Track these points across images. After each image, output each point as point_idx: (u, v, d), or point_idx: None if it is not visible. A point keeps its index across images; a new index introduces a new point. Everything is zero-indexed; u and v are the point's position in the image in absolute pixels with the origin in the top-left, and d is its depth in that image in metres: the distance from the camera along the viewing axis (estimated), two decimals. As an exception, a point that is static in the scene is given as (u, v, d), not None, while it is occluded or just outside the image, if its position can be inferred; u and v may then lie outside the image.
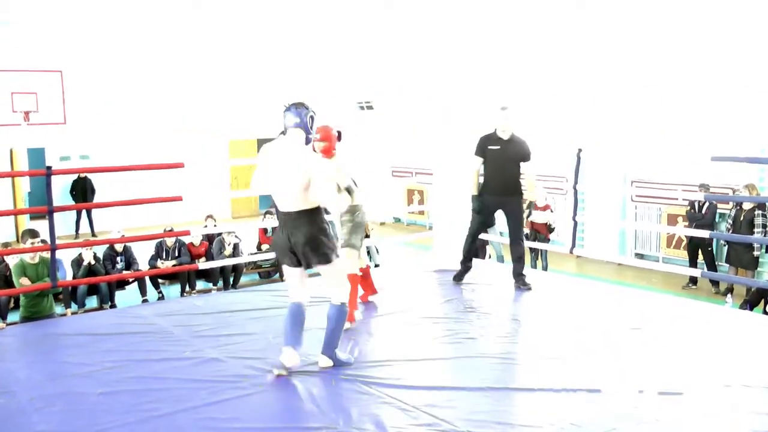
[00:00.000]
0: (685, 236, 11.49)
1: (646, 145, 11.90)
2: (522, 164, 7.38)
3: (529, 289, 7.40)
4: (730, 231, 10.20)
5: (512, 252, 7.55)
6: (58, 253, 7.05)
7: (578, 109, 13.15)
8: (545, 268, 11.18)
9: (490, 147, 7.36)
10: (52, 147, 16.26)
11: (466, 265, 7.76)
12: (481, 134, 7.49)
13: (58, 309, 8.26)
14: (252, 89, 18.80)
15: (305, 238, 4.95)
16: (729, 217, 10.51)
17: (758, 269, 10.22)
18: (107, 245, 10.14)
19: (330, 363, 5.18)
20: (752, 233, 9.80)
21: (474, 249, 7.82)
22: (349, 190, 6.22)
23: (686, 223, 11.27)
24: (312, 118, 5.32)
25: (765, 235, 9.88)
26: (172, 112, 17.93)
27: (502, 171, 7.32)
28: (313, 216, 5.00)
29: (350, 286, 5.55)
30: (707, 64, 11.25)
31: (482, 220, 7.58)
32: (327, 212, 5.47)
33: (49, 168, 6.69)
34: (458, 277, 7.77)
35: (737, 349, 5.65)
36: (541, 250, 11.37)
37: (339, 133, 6.37)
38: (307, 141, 5.27)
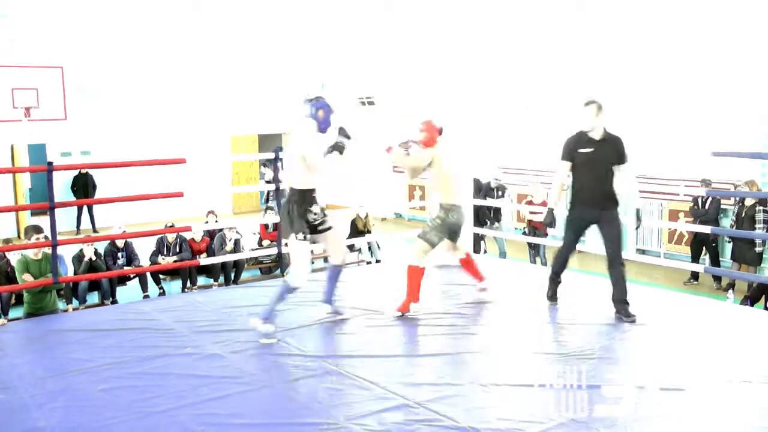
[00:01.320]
0: (689, 232, 11.47)
1: (648, 141, 11.86)
2: (617, 167, 6.30)
3: (633, 321, 6.15)
4: (733, 227, 10.20)
5: (611, 275, 6.34)
6: (60, 249, 7.05)
7: (577, 105, 13.12)
8: (545, 264, 11.18)
9: (580, 150, 6.29)
10: (53, 143, 16.25)
11: (556, 281, 6.78)
12: (569, 135, 6.59)
13: (60, 305, 8.25)
14: (253, 85, 18.81)
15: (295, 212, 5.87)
16: (732, 213, 10.50)
17: (761, 265, 10.20)
18: (108, 241, 10.13)
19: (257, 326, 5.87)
20: (754, 229, 9.80)
21: (564, 267, 6.75)
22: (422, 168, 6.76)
23: (689, 219, 11.25)
24: (323, 111, 5.87)
25: (766, 231, 9.90)
26: (173, 108, 17.94)
27: (595, 178, 6.26)
28: (297, 195, 5.87)
29: (416, 278, 6.47)
30: (708, 59, 11.23)
31: (573, 237, 6.52)
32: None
33: (50, 164, 6.69)
34: (552, 297, 6.79)
35: (738, 345, 5.65)
36: (541, 245, 11.37)
37: (441, 128, 6.64)
38: (320, 130, 5.88)
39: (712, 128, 11.15)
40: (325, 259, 12.48)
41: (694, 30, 11.27)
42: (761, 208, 9.95)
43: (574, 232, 6.52)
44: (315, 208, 5.99)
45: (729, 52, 10.97)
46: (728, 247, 11.03)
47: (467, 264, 6.99)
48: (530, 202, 11.65)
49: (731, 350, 5.50)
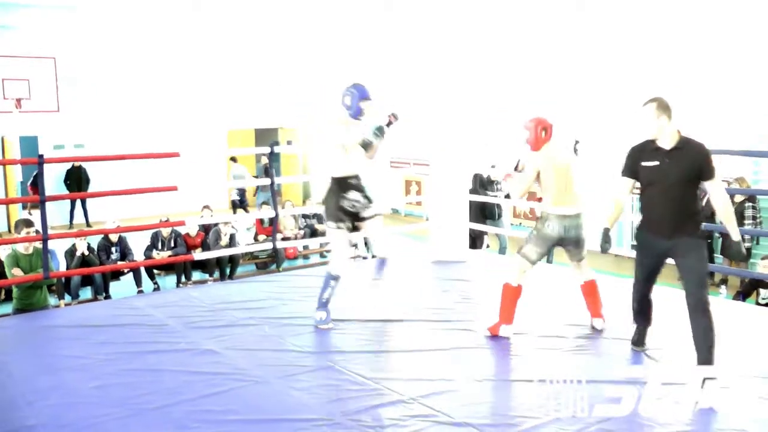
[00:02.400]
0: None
1: (643, 139, 11.86)
2: (703, 183, 4.88)
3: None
4: (723, 223, 10.24)
5: (692, 327, 4.72)
6: (52, 244, 6.99)
7: (576, 103, 13.11)
8: (550, 261, 11.12)
9: (644, 163, 4.88)
10: (46, 135, 16.15)
11: (639, 324, 5.42)
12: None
13: (52, 301, 8.19)
14: (250, 79, 18.75)
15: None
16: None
17: (750, 260, 10.25)
18: (102, 235, 10.07)
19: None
20: (743, 225, 9.87)
21: (645, 306, 5.34)
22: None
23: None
24: (349, 97, 6.00)
25: (755, 227, 10.02)
26: (169, 101, 17.85)
27: (665, 198, 4.83)
28: (332, 183, 5.91)
29: (508, 298, 5.73)
30: (701, 58, 11.23)
31: (647, 271, 5.12)
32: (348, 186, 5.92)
33: (40, 157, 6.64)
34: (637, 342, 5.41)
35: (730, 339, 5.63)
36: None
37: (545, 129, 5.64)
38: (352, 117, 6.01)
39: (705, 126, 11.15)
40: (321, 254, 12.54)
41: (685, 29, 11.27)
42: (750, 204, 10.10)
43: (644, 267, 5.10)
44: (352, 195, 5.90)
45: (721, 52, 10.99)
46: (720, 243, 11.05)
47: (588, 292, 5.88)
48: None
49: (724, 344, 5.47)
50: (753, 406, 4.34)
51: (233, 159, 17.89)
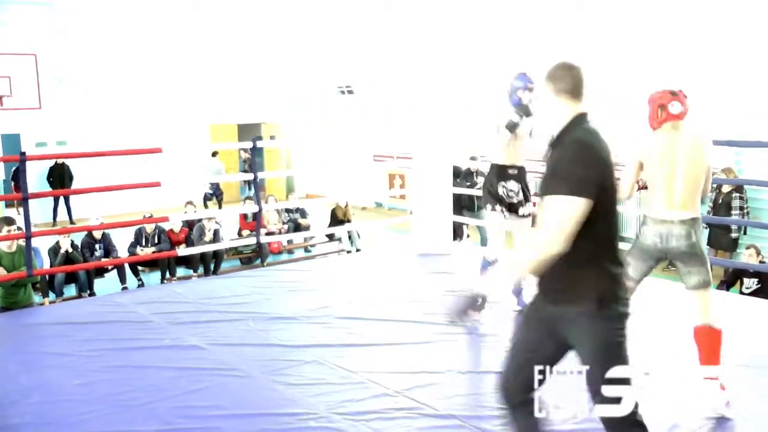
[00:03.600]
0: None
1: (629, 130, 11.92)
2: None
3: None
4: (711, 214, 10.35)
5: None
6: (35, 242, 6.96)
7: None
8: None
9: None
10: (28, 133, 16.04)
11: None
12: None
13: (36, 298, 8.14)
14: (232, 73, 18.68)
15: None
16: (709, 200, 10.62)
17: (737, 250, 10.32)
18: (85, 232, 10.02)
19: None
20: (730, 215, 9.97)
21: None
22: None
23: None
24: (514, 89, 5.72)
25: (742, 217, 10.09)
26: (151, 97, 17.76)
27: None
28: (491, 168, 5.88)
29: None
30: (686, 50, 11.28)
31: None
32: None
33: (23, 154, 6.61)
34: None
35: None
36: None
37: (662, 107, 4.50)
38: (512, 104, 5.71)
39: (692, 117, 11.21)
40: (305, 249, 12.54)
41: (670, 22, 11.32)
42: (737, 194, 10.15)
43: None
44: (511, 185, 5.80)
45: (707, 47, 11.05)
46: (706, 233, 11.13)
47: (702, 338, 4.48)
48: None
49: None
50: (737, 394, 4.38)
51: (214, 154, 17.85)
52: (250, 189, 17.32)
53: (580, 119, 2.93)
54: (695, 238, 4.28)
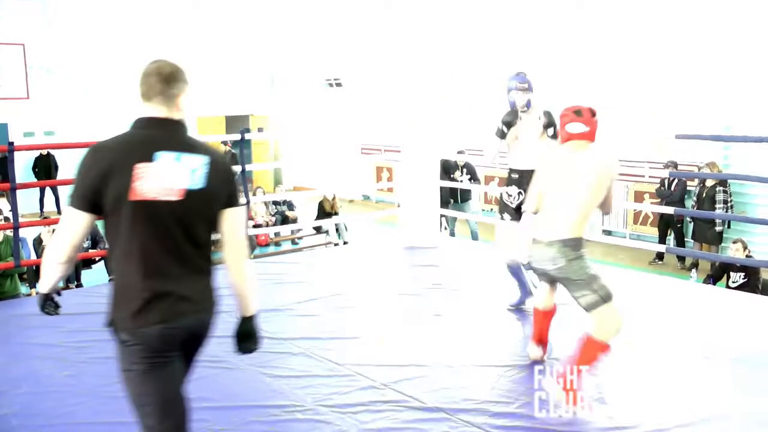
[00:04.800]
0: (655, 213, 11.63)
1: (615, 125, 11.97)
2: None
3: None
4: (695, 208, 10.45)
5: None
6: (22, 232, 6.94)
7: (545, 88, 13.19)
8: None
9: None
10: (15, 122, 15.95)
11: None
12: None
13: (23, 289, 8.13)
14: (220, 65, 18.62)
15: None
16: (694, 194, 10.74)
17: (722, 244, 10.41)
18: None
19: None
20: (714, 209, 10.04)
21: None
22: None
23: (654, 200, 11.41)
24: (508, 90, 5.71)
25: (726, 211, 10.18)
26: (139, 88, 17.65)
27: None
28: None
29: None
30: (673, 44, 11.34)
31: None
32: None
33: (11, 144, 6.58)
34: None
35: (700, 322, 5.75)
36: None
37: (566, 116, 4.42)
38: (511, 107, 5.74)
39: (677, 113, 11.29)
40: (293, 242, 12.55)
41: (655, 18, 11.37)
42: (721, 188, 10.26)
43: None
44: (510, 190, 5.78)
45: (693, 41, 11.11)
46: (691, 227, 11.22)
47: (583, 345, 4.23)
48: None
49: (694, 327, 5.60)
50: (724, 388, 4.43)
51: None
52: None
53: (137, 123, 2.82)
54: (563, 262, 4.15)
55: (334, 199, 12.86)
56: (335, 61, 18.14)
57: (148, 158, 2.62)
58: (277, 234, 12.61)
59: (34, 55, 15.54)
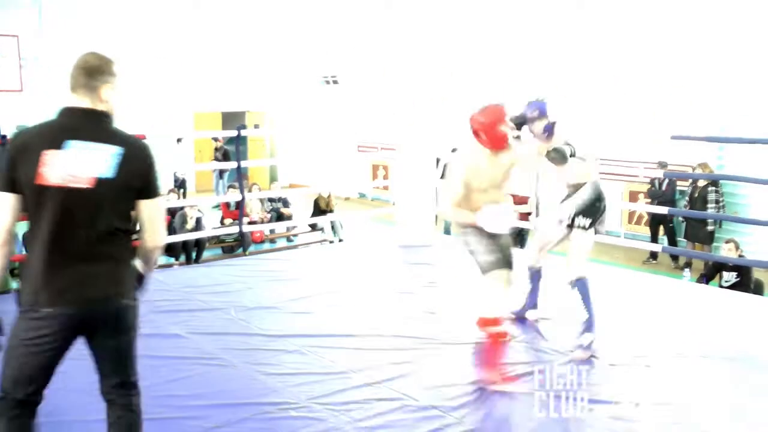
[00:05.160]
0: (647, 213, 11.67)
1: (611, 126, 11.99)
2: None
3: None
4: (687, 208, 10.57)
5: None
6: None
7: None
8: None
9: None
10: (8, 115, 15.85)
11: None
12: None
13: (15, 284, 8.08)
14: (217, 61, 18.58)
15: None
16: (686, 194, 10.83)
17: (714, 244, 10.47)
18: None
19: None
20: (706, 209, 10.13)
21: None
22: None
23: (648, 200, 11.45)
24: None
25: (718, 211, 10.31)
26: (135, 82, 17.61)
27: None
28: None
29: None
30: (669, 45, 11.36)
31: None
32: None
33: (3, 137, 6.55)
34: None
35: (694, 321, 5.77)
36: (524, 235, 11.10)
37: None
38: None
39: (671, 114, 11.31)
40: (288, 239, 12.53)
41: (653, 19, 11.38)
42: (713, 188, 10.41)
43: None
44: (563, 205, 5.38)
45: (688, 43, 11.13)
46: (683, 227, 11.28)
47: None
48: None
49: (687, 326, 5.62)
50: (717, 387, 4.44)
51: (179, 140, 17.58)
52: (221, 178, 17.21)
53: (60, 112, 3.02)
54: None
55: (329, 196, 12.84)
56: (332, 59, 18.11)
57: (58, 146, 2.78)
58: (272, 231, 12.59)
59: (27, 48, 15.46)
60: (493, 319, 4.49)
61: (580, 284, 5.03)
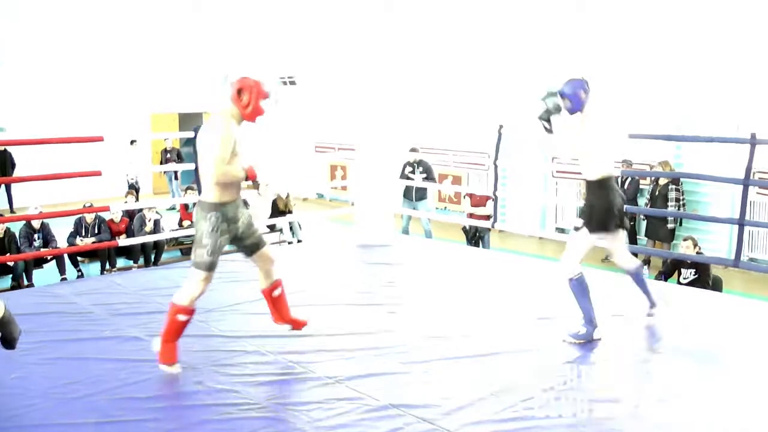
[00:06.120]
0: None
1: (565, 123, 12.12)
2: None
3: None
4: (648, 206, 10.68)
5: None
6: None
7: (501, 87, 13.30)
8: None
9: None
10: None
11: None
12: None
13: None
14: (174, 62, 18.48)
15: None
16: (647, 192, 10.96)
17: (674, 241, 10.61)
18: (24, 222, 9.85)
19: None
20: (667, 207, 10.25)
21: None
22: None
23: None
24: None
25: (678, 209, 10.42)
26: (92, 84, 17.47)
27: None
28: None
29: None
30: (627, 46, 11.52)
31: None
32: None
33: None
34: None
35: (652, 318, 5.85)
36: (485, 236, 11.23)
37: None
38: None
39: (631, 111, 11.46)
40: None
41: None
42: (673, 186, 10.54)
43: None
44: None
45: (647, 39, 11.28)
46: (644, 225, 11.42)
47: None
48: (471, 195, 11.31)
49: (644, 323, 5.70)
50: (676, 382, 4.54)
51: (133, 143, 17.44)
52: (176, 179, 17.11)
53: None
54: (195, 218, 4.74)
55: (287, 197, 12.83)
56: (289, 59, 18.09)
57: None
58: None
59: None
60: (185, 308, 4.67)
61: (573, 283, 5.27)
